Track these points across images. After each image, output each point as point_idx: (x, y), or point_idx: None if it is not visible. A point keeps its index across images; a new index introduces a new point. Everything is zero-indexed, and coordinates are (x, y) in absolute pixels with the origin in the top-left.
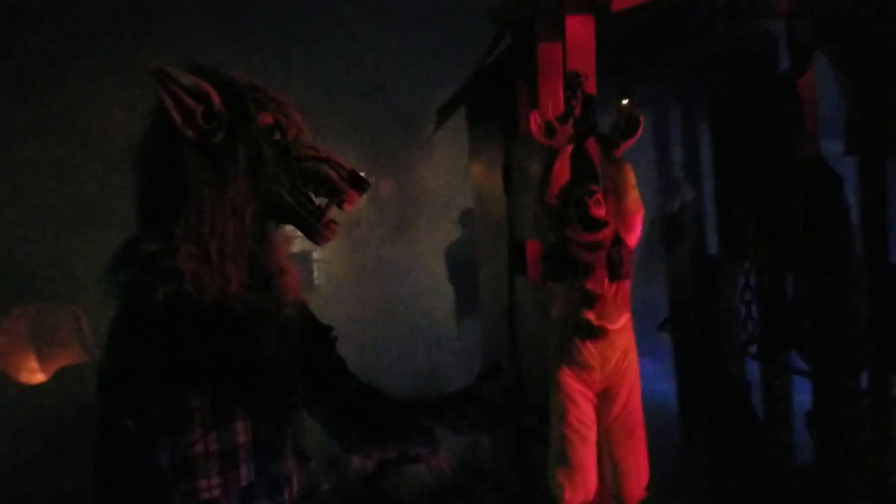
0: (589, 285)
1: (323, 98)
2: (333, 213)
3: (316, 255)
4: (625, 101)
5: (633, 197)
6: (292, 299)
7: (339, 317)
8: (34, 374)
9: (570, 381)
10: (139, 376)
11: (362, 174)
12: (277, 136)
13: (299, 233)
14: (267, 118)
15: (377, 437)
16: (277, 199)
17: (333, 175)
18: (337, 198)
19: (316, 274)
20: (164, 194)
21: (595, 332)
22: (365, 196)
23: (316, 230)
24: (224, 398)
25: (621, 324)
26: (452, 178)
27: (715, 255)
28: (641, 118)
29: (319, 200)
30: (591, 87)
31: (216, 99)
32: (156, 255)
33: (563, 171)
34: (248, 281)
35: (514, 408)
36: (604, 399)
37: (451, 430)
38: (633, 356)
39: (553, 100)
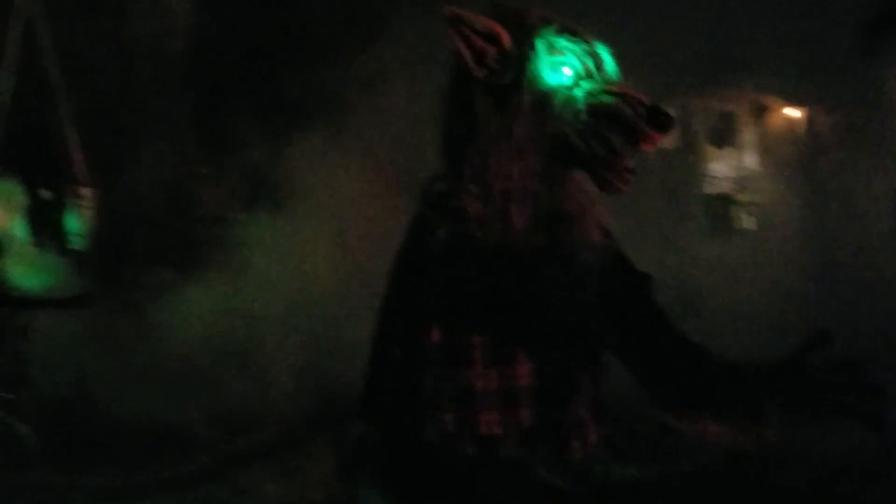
0: None
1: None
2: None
3: (740, 196)
4: None
5: None
6: (589, 243)
7: (769, 263)
8: None
9: None
10: (412, 307)
11: (666, 110)
12: (568, 71)
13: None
14: (557, 52)
15: (693, 398)
16: (564, 141)
17: (628, 112)
18: (633, 138)
19: (739, 217)
20: (456, 136)
21: None
22: (800, 131)
23: (604, 178)
24: (505, 338)
25: None
26: None
27: None
28: None
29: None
30: None
31: (506, 39)
32: (443, 194)
33: None
34: (534, 223)
35: (843, 386)
36: None
37: (777, 404)
38: None
39: None
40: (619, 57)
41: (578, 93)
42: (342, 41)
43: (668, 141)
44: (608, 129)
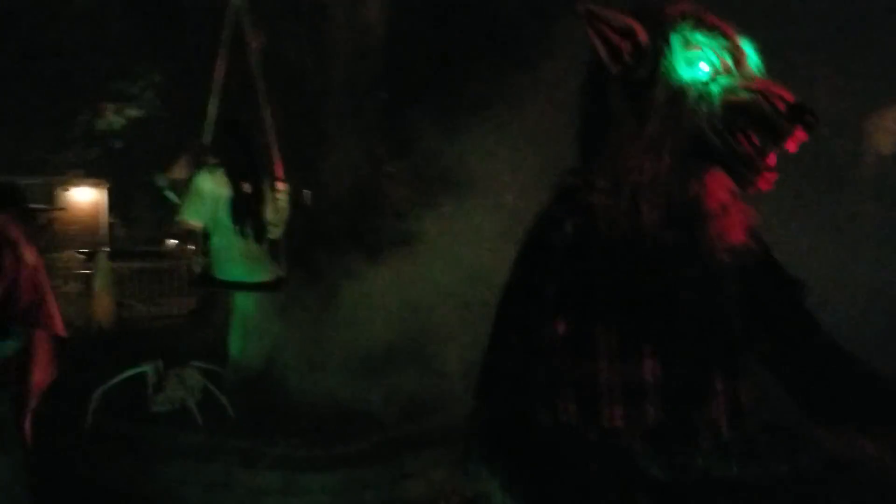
0: None
1: None
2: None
3: None
4: None
5: None
6: (728, 243)
7: None
8: None
9: None
10: (532, 298)
11: (809, 107)
12: (704, 67)
13: None
14: (693, 48)
15: (843, 412)
16: (700, 137)
17: (768, 108)
18: (773, 136)
19: None
20: (589, 131)
21: None
22: None
23: (744, 176)
24: (631, 333)
25: None
26: None
27: None
28: None
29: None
30: None
31: (642, 35)
32: (573, 188)
33: None
34: (667, 219)
35: None
36: None
37: None
38: None
39: None
40: (833, 53)
41: (715, 88)
42: (522, 42)
43: (887, 147)
44: (746, 125)
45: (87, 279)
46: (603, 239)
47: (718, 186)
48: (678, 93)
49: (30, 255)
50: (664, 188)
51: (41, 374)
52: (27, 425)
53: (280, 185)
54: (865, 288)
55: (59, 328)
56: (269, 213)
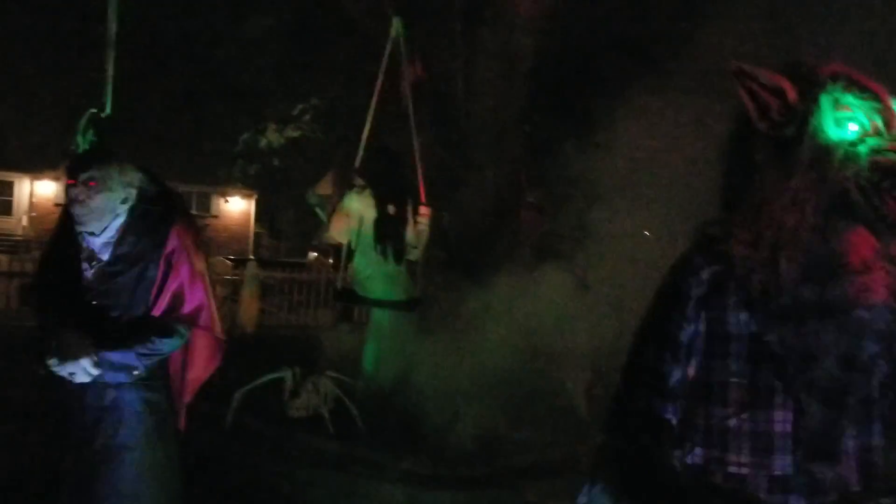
0: None
1: None
2: None
3: None
4: None
5: None
6: (869, 301)
7: None
8: None
9: None
10: (666, 341)
11: None
12: (853, 127)
13: None
14: (843, 108)
15: None
16: (845, 196)
17: None
18: None
19: None
20: (733, 183)
21: None
22: None
23: (886, 235)
24: (763, 384)
25: None
26: None
27: None
28: None
29: None
30: None
31: (791, 94)
32: (713, 237)
33: None
34: (805, 275)
35: None
36: None
37: None
38: None
39: None
40: None
41: (862, 149)
42: (667, 69)
43: None
44: (892, 187)
45: (235, 284)
46: (740, 289)
47: (861, 244)
48: (825, 151)
49: (199, 263)
50: (805, 244)
51: (197, 371)
52: (182, 419)
53: (423, 210)
54: None
55: (219, 331)
56: (411, 236)
